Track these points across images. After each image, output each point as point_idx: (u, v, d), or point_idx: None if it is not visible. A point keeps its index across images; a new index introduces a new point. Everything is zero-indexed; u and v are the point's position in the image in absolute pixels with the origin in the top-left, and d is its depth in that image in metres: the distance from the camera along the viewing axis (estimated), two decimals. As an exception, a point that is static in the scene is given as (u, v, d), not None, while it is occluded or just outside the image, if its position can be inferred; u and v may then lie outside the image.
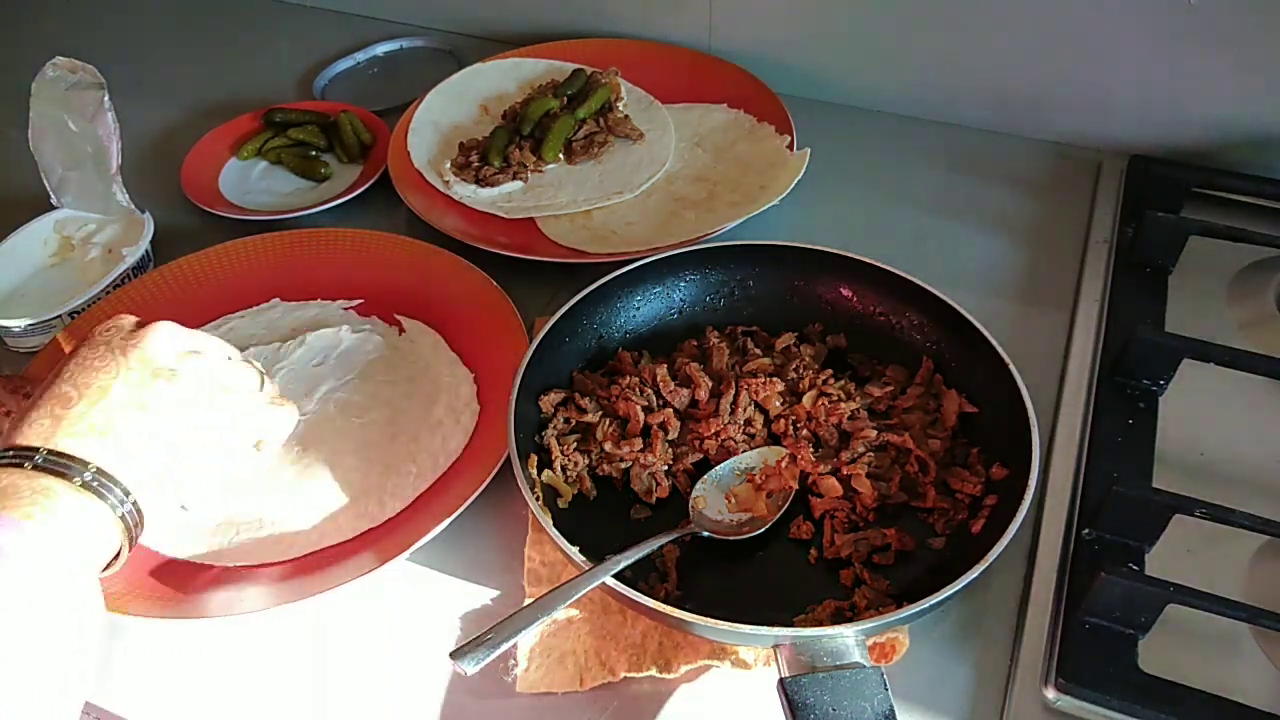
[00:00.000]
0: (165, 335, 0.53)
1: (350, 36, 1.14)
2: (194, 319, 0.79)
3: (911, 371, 0.69)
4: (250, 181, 0.95)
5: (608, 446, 0.65)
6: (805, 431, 0.65)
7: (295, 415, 0.59)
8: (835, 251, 0.71)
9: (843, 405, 0.65)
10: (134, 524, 0.49)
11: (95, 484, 0.47)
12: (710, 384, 0.67)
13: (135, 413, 0.50)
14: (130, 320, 0.54)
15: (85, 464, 0.47)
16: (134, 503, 0.48)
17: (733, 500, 0.63)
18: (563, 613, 0.58)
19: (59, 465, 0.46)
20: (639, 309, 0.73)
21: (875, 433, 0.64)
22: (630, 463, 0.65)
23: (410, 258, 0.81)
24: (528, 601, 0.59)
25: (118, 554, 0.49)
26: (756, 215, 0.81)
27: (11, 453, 0.47)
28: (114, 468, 0.48)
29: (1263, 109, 0.83)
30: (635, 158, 0.92)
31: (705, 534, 0.61)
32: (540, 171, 0.91)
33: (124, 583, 0.60)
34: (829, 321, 0.72)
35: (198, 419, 0.52)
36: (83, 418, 0.48)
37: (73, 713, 0.44)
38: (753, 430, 0.66)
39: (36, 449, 0.47)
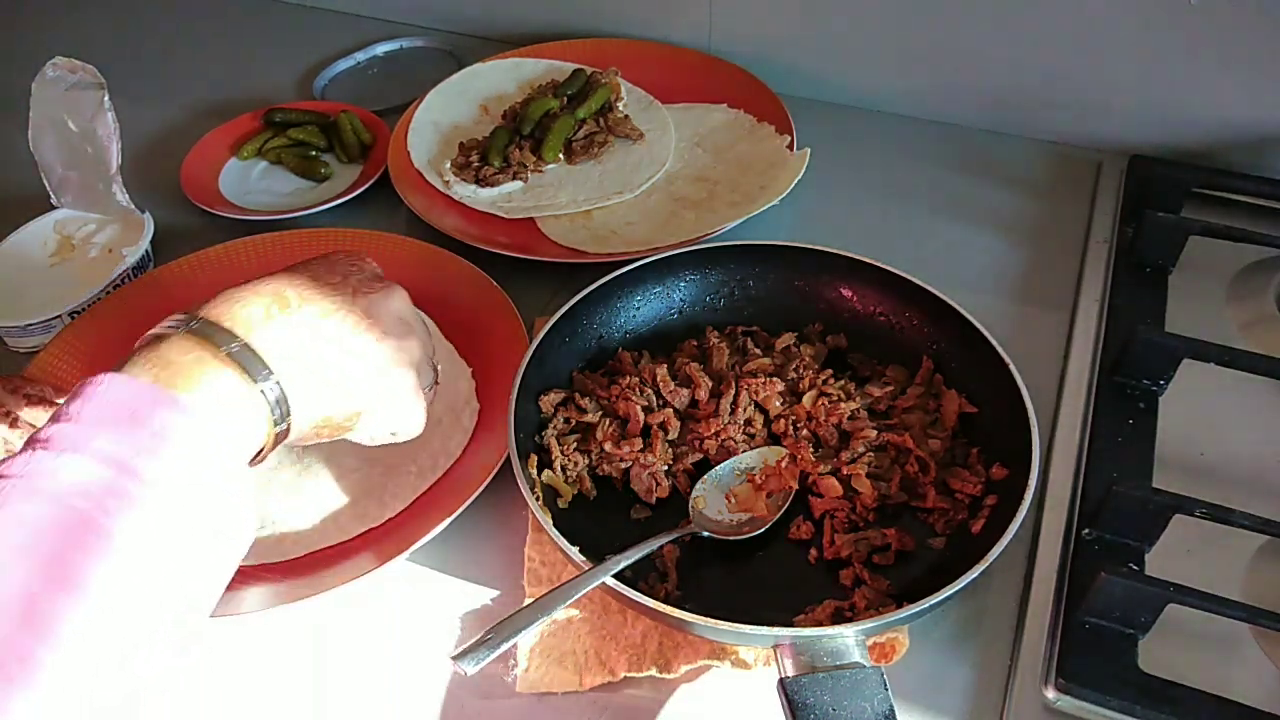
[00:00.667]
0: (399, 298, 0.53)
1: (350, 36, 1.14)
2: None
3: (911, 371, 0.69)
4: (250, 181, 0.95)
5: (608, 446, 0.65)
6: (805, 431, 0.65)
7: (421, 426, 0.57)
8: (835, 251, 0.71)
9: (843, 405, 0.65)
10: (276, 438, 0.48)
11: (272, 394, 0.46)
12: (710, 384, 0.67)
13: (334, 350, 0.49)
14: (374, 268, 0.54)
15: (271, 372, 0.46)
16: (287, 426, 0.48)
17: (733, 500, 0.63)
18: (563, 613, 0.58)
19: (250, 362, 0.45)
20: (639, 309, 0.73)
21: (875, 433, 0.64)
22: (630, 463, 0.65)
23: (410, 258, 0.81)
24: (528, 601, 0.59)
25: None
26: (756, 215, 0.81)
27: (212, 328, 0.46)
28: (292, 391, 0.47)
29: (1263, 109, 0.83)
30: (635, 158, 0.92)
31: (705, 534, 0.61)
32: (540, 171, 0.91)
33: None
34: (829, 321, 0.72)
35: (379, 384, 0.52)
36: (292, 328, 0.48)
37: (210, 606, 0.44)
38: (753, 430, 0.66)
39: (236, 336, 0.46)
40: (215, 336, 0.45)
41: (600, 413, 0.67)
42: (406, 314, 0.54)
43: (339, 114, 0.97)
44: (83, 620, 0.37)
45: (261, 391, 0.46)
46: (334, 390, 0.50)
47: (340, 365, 0.50)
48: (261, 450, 0.47)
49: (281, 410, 0.47)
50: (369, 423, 0.52)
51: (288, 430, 0.48)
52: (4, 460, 0.40)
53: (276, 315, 0.48)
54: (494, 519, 0.64)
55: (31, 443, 0.40)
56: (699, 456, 0.66)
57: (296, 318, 0.48)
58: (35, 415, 0.62)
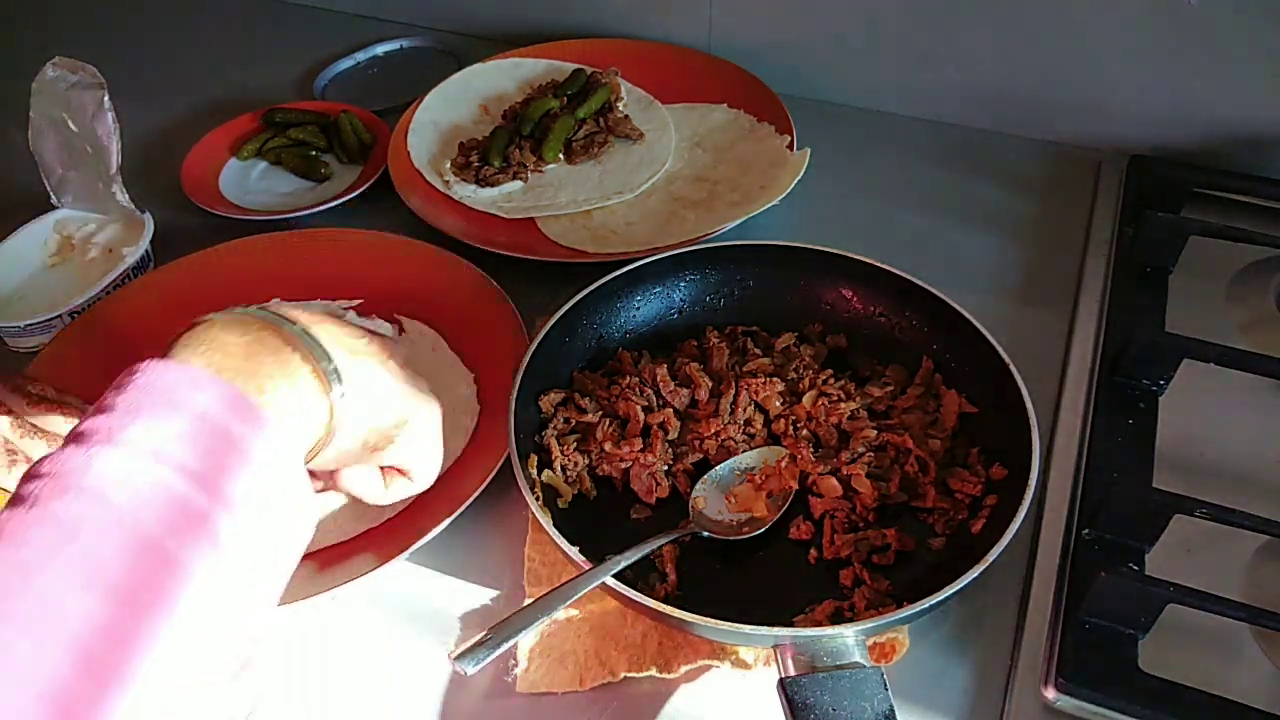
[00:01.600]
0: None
1: (350, 36, 1.14)
2: (194, 319, 0.79)
3: (911, 371, 0.69)
4: (250, 181, 0.95)
5: (608, 446, 0.65)
6: (805, 431, 0.65)
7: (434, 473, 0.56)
8: (835, 251, 0.71)
9: (843, 405, 0.65)
10: (333, 430, 0.45)
11: (333, 377, 0.44)
12: (710, 384, 0.67)
13: (380, 368, 0.48)
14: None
15: (330, 357, 0.44)
16: (331, 434, 0.45)
17: (733, 500, 0.63)
18: (563, 613, 0.58)
19: (313, 345, 0.43)
20: (639, 309, 0.73)
21: (875, 433, 0.64)
22: (630, 463, 0.65)
23: (410, 258, 0.81)
24: (528, 601, 0.59)
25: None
26: (756, 215, 0.81)
27: (270, 313, 0.44)
28: (349, 382, 0.45)
29: (1263, 109, 0.83)
30: (635, 158, 0.92)
31: (705, 534, 0.61)
32: (540, 171, 0.91)
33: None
34: (829, 321, 0.72)
35: (415, 412, 0.50)
36: (340, 333, 0.46)
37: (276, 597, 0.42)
38: (753, 430, 0.66)
39: (295, 321, 0.44)
40: (276, 319, 0.43)
41: (600, 413, 0.67)
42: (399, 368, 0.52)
43: (339, 114, 0.97)
44: (156, 662, 0.34)
45: (325, 372, 0.43)
46: (377, 410, 0.47)
47: (386, 383, 0.48)
48: (318, 441, 0.45)
49: (341, 392, 0.45)
50: (392, 453, 0.50)
51: (329, 440, 0.45)
52: (49, 456, 0.37)
53: (324, 320, 0.46)
54: (494, 519, 0.64)
55: (78, 438, 0.37)
56: (699, 456, 0.66)
57: (344, 330, 0.47)
58: (36, 415, 0.62)
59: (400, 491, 0.53)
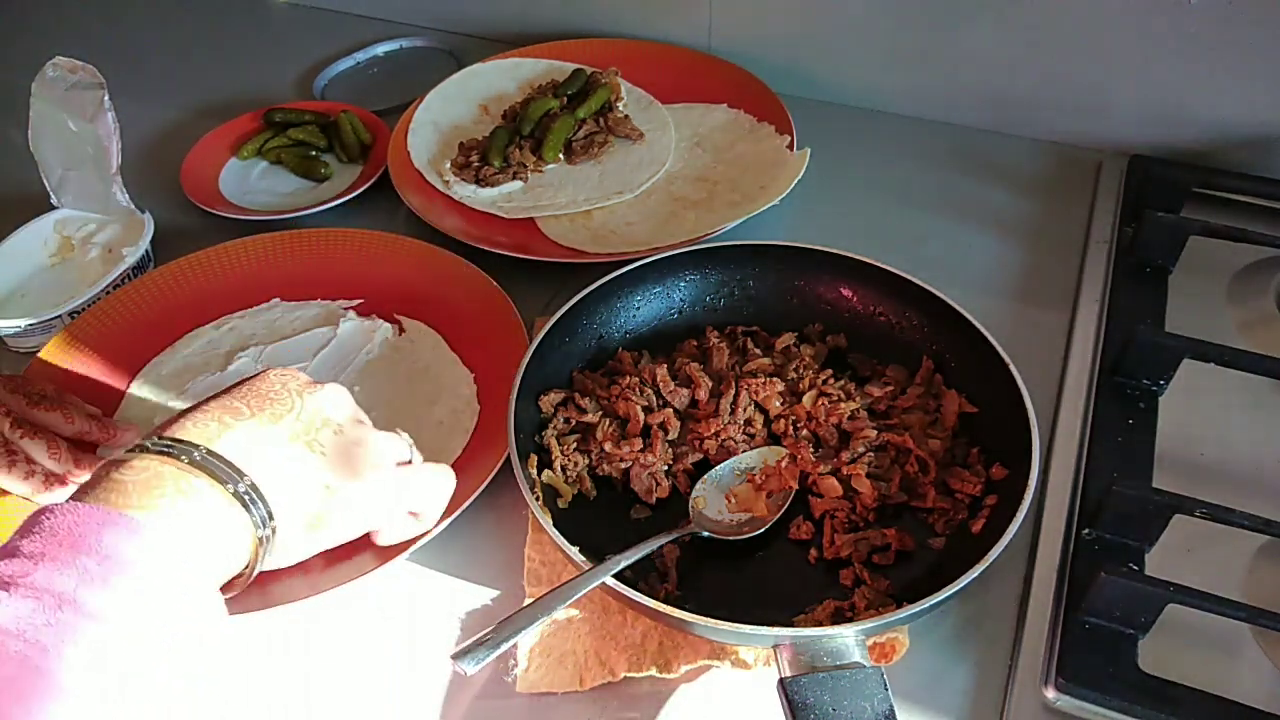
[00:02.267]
0: (343, 395, 0.52)
1: (350, 36, 1.14)
2: (194, 319, 0.79)
3: (911, 371, 0.69)
4: (250, 181, 0.95)
5: (608, 446, 0.65)
6: (805, 431, 0.65)
7: (452, 479, 0.57)
8: (835, 251, 0.71)
9: (843, 405, 0.65)
10: (263, 552, 0.45)
11: (247, 497, 0.44)
12: (710, 384, 0.67)
13: (302, 449, 0.48)
14: (305, 377, 0.53)
15: (241, 474, 0.44)
16: (272, 529, 0.45)
17: (733, 500, 0.63)
18: (563, 613, 0.58)
19: (217, 467, 0.44)
20: (639, 309, 0.73)
21: (875, 433, 0.64)
22: (630, 463, 0.65)
23: (410, 258, 0.81)
24: (528, 601, 0.59)
25: (233, 580, 0.45)
26: (756, 215, 0.81)
27: (168, 443, 0.44)
28: (268, 490, 0.45)
29: (1262, 109, 0.83)
30: (635, 158, 0.92)
31: (705, 534, 0.61)
32: (540, 171, 0.91)
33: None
34: (829, 321, 0.72)
35: (351, 479, 0.50)
36: (250, 433, 0.46)
37: None
38: (753, 430, 0.66)
39: (197, 445, 0.44)
40: (175, 449, 0.43)
41: (600, 413, 0.67)
42: (352, 405, 0.53)
43: (339, 114, 0.97)
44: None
45: (236, 493, 0.44)
46: (307, 485, 0.48)
47: (304, 459, 0.48)
48: (248, 564, 0.45)
49: (262, 512, 0.45)
50: (346, 517, 0.50)
51: (274, 532, 0.46)
52: None
53: (232, 424, 0.46)
54: (494, 519, 0.64)
55: None
56: (699, 456, 0.66)
57: (251, 423, 0.47)
58: (37, 415, 0.62)
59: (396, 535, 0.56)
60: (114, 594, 0.37)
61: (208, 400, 0.48)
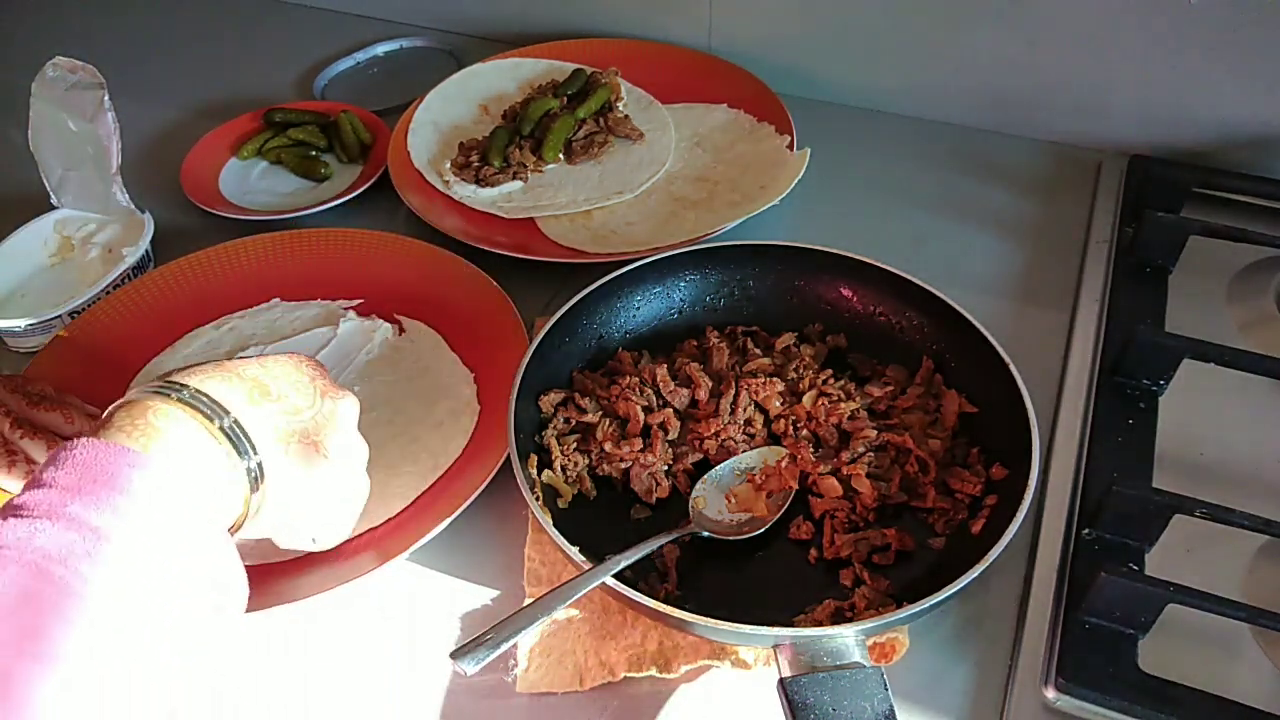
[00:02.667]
0: (355, 406, 0.55)
1: (350, 36, 1.14)
2: (194, 319, 0.79)
3: (911, 371, 0.69)
4: (250, 181, 0.95)
5: (608, 446, 0.65)
6: (805, 431, 0.65)
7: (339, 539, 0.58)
8: (835, 251, 0.71)
9: (843, 405, 0.65)
10: (244, 519, 0.48)
11: (252, 480, 0.47)
12: (710, 384, 0.67)
13: (307, 445, 0.51)
14: (329, 376, 0.55)
15: (255, 450, 0.47)
16: (259, 506, 0.48)
17: (733, 500, 0.63)
18: (563, 613, 0.58)
19: (237, 439, 0.47)
20: (639, 309, 0.73)
21: (875, 433, 0.64)
22: (630, 463, 0.65)
23: (410, 258, 0.81)
24: (528, 601, 0.59)
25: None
26: (756, 215, 0.81)
27: (201, 399, 0.47)
28: (270, 470, 0.48)
29: (1263, 109, 0.83)
30: (635, 158, 0.92)
31: (705, 534, 0.61)
32: (540, 171, 0.91)
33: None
34: (829, 321, 0.72)
35: (334, 483, 0.53)
36: (271, 416, 0.49)
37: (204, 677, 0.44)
38: (753, 430, 0.66)
39: (228, 412, 0.47)
40: (207, 409, 0.46)
41: (600, 413, 0.67)
42: (354, 425, 0.55)
43: (339, 114, 0.97)
44: (56, 688, 0.36)
45: (247, 470, 0.47)
46: (300, 482, 0.51)
47: (307, 457, 0.51)
48: (232, 527, 0.48)
49: (259, 490, 0.48)
50: (302, 519, 0.53)
51: (257, 512, 0.49)
52: None
53: (261, 401, 0.49)
54: (494, 519, 0.64)
55: (7, 509, 0.40)
56: (699, 456, 0.66)
57: (276, 407, 0.50)
58: (37, 415, 0.62)
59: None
60: (129, 521, 0.40)
61: (244, 360, 0.51)
